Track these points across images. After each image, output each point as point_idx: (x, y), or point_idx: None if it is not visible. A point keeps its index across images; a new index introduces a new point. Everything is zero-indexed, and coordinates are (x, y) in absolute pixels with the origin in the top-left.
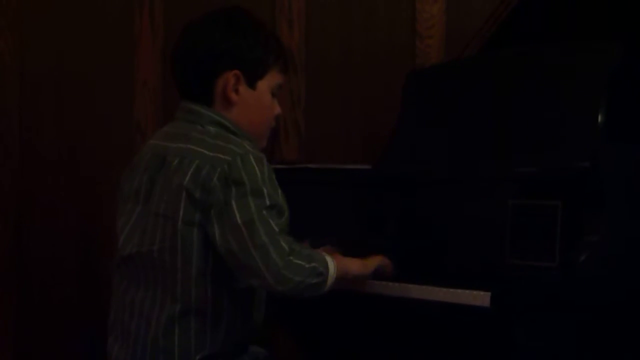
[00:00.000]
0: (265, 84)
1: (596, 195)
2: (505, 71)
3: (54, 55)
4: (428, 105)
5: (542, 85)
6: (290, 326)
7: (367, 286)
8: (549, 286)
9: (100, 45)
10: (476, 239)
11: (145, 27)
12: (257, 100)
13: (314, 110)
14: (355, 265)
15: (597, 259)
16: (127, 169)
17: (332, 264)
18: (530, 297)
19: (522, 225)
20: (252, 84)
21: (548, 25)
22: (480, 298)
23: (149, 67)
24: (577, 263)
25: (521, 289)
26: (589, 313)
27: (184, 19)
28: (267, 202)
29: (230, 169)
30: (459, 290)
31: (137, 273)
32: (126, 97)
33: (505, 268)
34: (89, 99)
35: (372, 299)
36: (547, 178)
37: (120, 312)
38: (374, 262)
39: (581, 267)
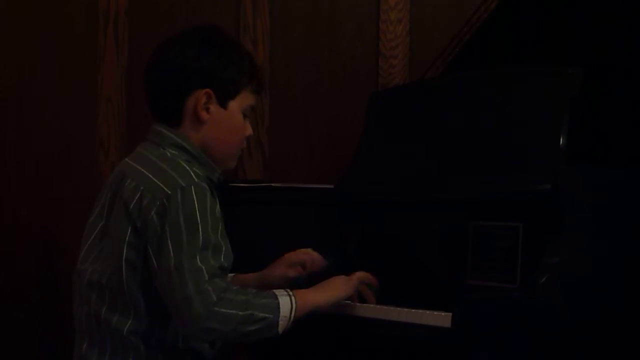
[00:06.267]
0: (237, 104)
1: (557, 217)
2: (468, 93)
3: (16, 71)
4: (391, 125)
5: (505, 107)
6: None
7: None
8: (510, 307)
9: (64, 62)
10: (437, 259)
11: (109, 44)
12: (227, 120)
13: (277, 129)
14: (326, 295)
15: (557, 281)
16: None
17: (288, 305)
18: (491, 318)
19: (483, 246)
20: (223, 104)
21: (511, 48)
22: (441, 319)
23: (113, 83)
24: (537, 284)
25: (482, 310)
26: (550, 335)
27: (148, 35)
28: (201, 243)
29: (169, 204)
30: (420, 311)
31: (88, 290)
32: (90, 114)
33: (466, 289)
34: (53, 115)
35: (331, 320)
36: (509, 200)
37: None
38: (352, 283)
39: (541, 288)
